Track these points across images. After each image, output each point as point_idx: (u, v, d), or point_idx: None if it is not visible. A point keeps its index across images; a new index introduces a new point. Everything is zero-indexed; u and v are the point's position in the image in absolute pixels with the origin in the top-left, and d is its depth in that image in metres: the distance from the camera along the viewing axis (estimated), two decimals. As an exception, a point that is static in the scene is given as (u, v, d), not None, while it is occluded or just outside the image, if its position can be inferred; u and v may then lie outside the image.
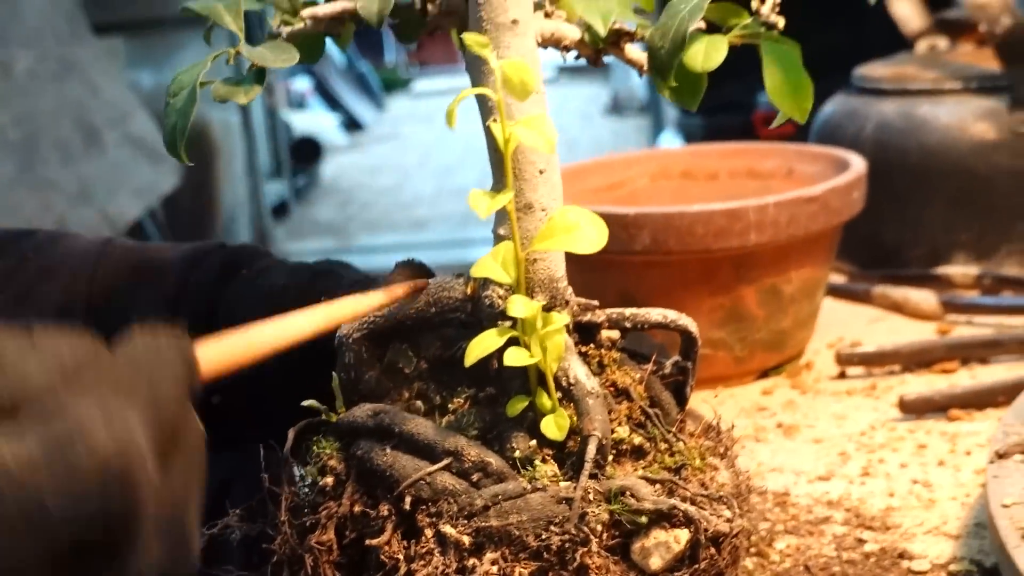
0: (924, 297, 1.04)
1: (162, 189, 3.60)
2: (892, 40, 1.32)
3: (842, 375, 0.94)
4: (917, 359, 0.93)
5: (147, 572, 0.35)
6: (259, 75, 0.47)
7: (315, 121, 6.32)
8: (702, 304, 0.88)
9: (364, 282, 0.58)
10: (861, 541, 0.68)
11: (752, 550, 0.66)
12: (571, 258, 0.94)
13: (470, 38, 0.46)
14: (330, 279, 0.59)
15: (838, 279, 1.14)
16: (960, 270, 1.09)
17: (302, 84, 6.69)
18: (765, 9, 0.51)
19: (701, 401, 0.85)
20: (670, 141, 3.11)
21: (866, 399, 0.89)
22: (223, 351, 0.45)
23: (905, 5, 1.30)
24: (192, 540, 0.38)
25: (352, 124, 7.02)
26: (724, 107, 1.64)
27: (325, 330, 0.51)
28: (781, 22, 0.51)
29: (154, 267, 0.63)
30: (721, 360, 0.91)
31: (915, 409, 0.84)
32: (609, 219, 0.86)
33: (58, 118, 3.37)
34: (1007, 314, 1.01)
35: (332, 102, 6.91)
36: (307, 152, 5.65)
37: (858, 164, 0.95)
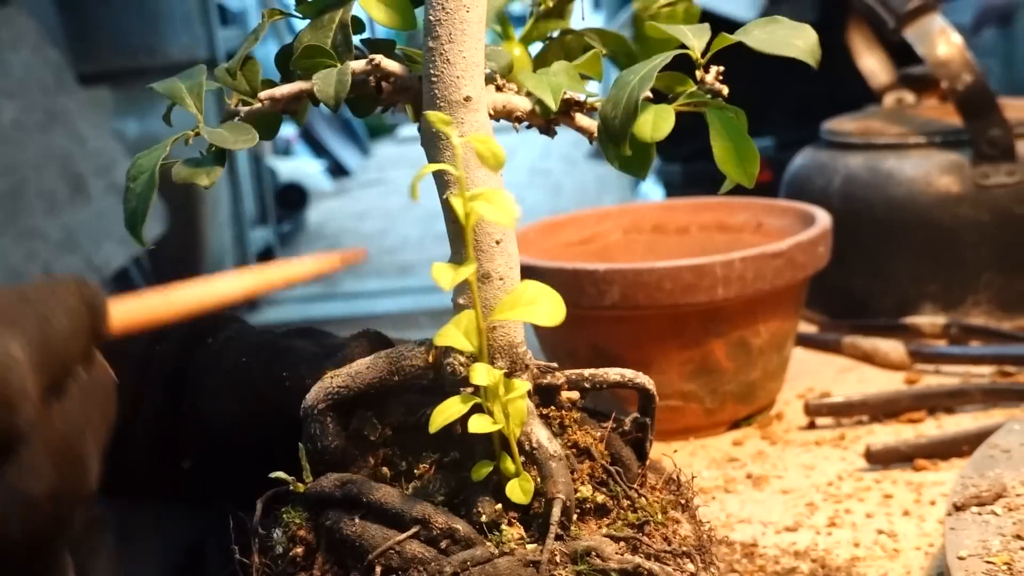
0: (893, 347, 1.06)
1: (148, 237, 3.61)
2: (865, 93, 1.35)
3: (811, 425, 0.95)
4: (884, 409, 0.95)
5: (37, 491, 0.38)
6: (219, 156, 0.49)
7: (300, 167, 6.35)
8: (672, 357, 0.90)
9: (323, 355, 0.59)
10: (826, 593, 0.69)
11: (719, 603, 0.68)
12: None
13: (433, 116, 0.48)
14: (291, 354, 0.61)
15: (809, 329, 1.16)
16: (928, 320, 1.11)
17: (287, 130, 6.73)
18: (709, 78, 0.53)
19: (672, 452, 0.86)
20: (650, 187, 3.15)
21: (834, 449, 0.90)
22: (140, 307, 0.46)
23: (872, 60, 1.33)
24: (87, 468, 0.40)
25: (338, 170, 7.06)
26: (701, 154, 1.66)
27: (252, 293, 0.51)
28: (725, 90, 0.53)
29: (119, 338, 0.64)
30: (692, 412, 0.92)
31: (881, 459, 0.85)
32: (580, 275, 0.89)
33: (43, 168, 3.40)
34: (973, 364, 1.03)
35: (318, 148, 6.94)
36: (293, 198, 5.67)
37: (823, 219, 0.97)
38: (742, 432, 0.95)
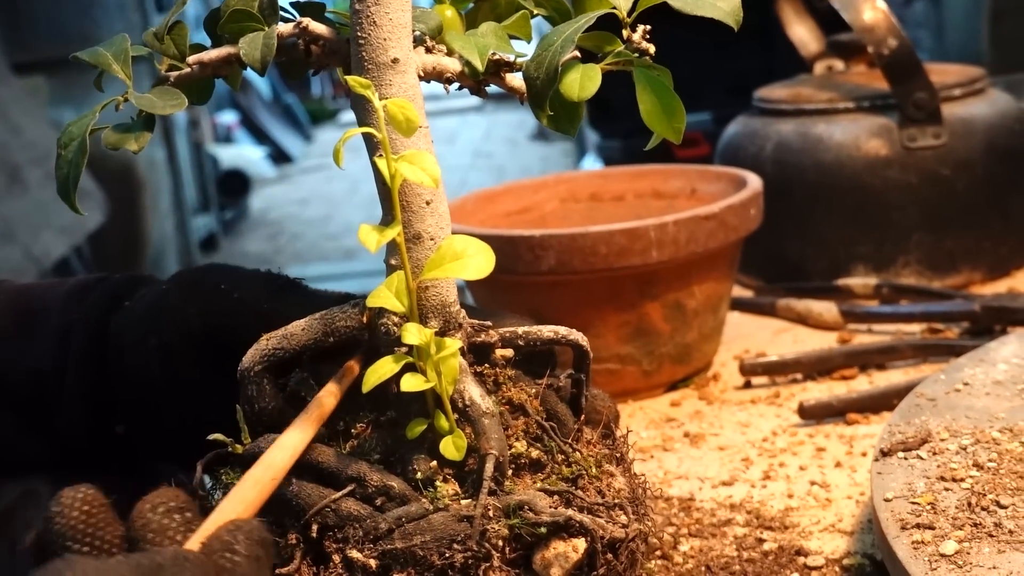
0: (826, 308, 1.08)
1: (88, 226, 3.58)
2: (799, 66, 1.37)
3: (747, 385, 0.97)
4: (818, 367, 0.97)
5: None
6: (148, 121, 0.49)
7: (242, 154, 6.30)
8: (609, 321, 0.92)
9: (252, 274, 0.60)
10: (761, 541, 0.71)
11: (657, 553, 0.69)
12: (482, 280, 0.96)
13: (352, 80, 0.48)
14: (214, 272, 0.61)
15: (745, 294, 1.18)
16: (860, 281, 1.14)
17: (228, 118, 6.67)
18: (636, 37, 0.54)
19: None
20: (591, 164, 3.17)
21: (769, 407, 0.92)
22: (253, 495, 0.47)
23: (802, 29, 1.35)
24: None
25: (280, 156, 7.00)
26: (642, 130, 1.68)
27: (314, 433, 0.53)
28: (652, 48, 0.54)
29: (40, 307, 0.64)
30: (630, 374, 0.94)
31: (814, 414, 0.88)
32: (516, 241, 0.90)
33: (-22, 159, 3.34)
34: (904, 322, 1.05)
35: (259, 135, 6.88)
36: (235, 185, 5.63)
37: (754, 182, 0.99)
38: (680, 393, 0.97)
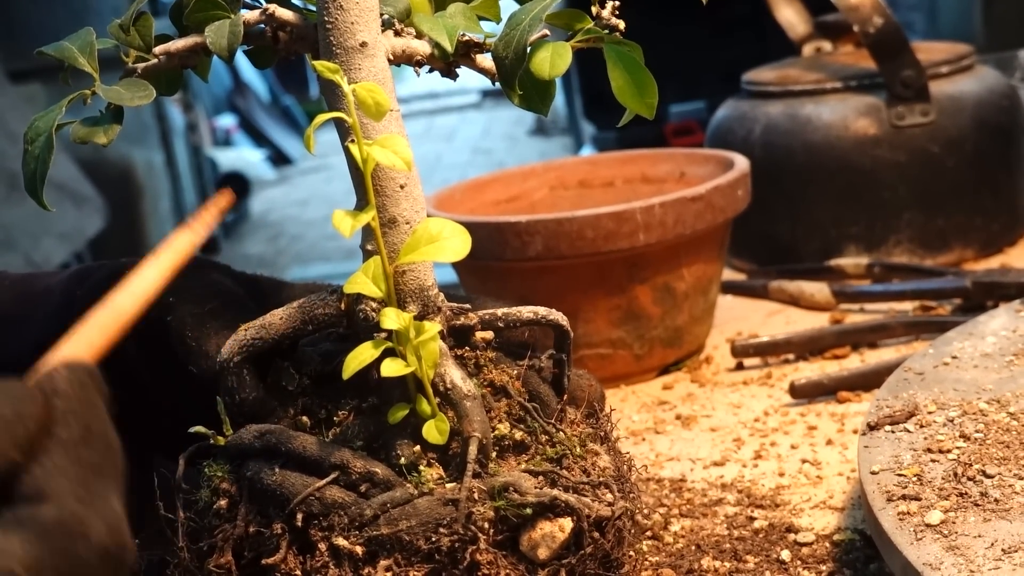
0: (818, 289, 1.08)
1: (88, 232, 3.58)
2: (791, 53, 1.36)
3: (739, 366, 0.97)
4: (810, 347, 0.97)
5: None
6: (117, 113, 0.49)
7: (242, 157, 6.30)
8: (598, 305, 0.92)
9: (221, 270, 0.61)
10: (751, 519, 0.71)
11: (648, 533, 0.69)
12: (471, 267, 0.96)
13: (320, 65, 0.48)
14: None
15: (737, 277, 1.18)
16: (851, 261, 1.13)
17: (227, 121, 6.67)
18: (605, 13, 0.54)
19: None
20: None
21: (761, 387, 0.92)
22: (98, 338, 0.44)
23: (789, 11, 1.34)
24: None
25: (279, 158, 7.00)
26: (636, 120, 1.67)
27: (178, 266, 0.49)
28: (621, 24, 0.54)
29: (42, 290, 0.65)
30: (621, 359, 0.94)
31: (805, 393, 0.87)
32: (503, 227, 0.90)
33: (-23, 168, 3.34)
34: (896, 300, 1.05)
35: (258, 137, 6.88)
36: (234, 188, 5.63)
37: (741, 163, 0.98)
38: (672, 376, 0.96)
